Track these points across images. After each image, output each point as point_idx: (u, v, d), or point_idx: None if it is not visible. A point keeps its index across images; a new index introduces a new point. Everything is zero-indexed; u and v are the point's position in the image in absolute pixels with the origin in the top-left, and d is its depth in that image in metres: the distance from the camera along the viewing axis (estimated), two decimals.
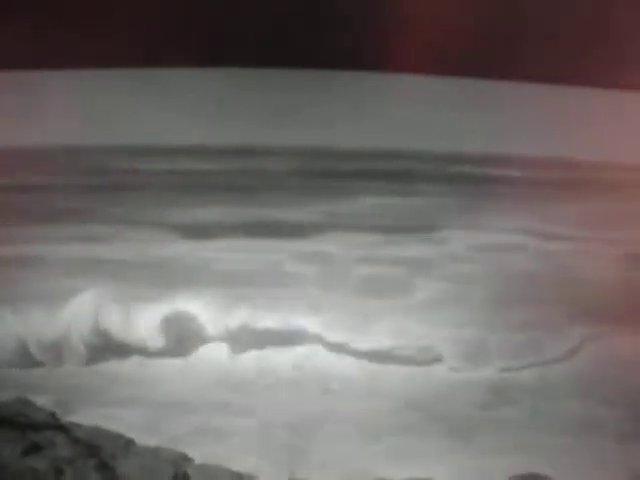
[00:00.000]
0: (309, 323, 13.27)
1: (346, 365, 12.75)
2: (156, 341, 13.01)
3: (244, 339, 13.26)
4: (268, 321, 13.33)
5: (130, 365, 12.74)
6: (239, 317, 13.43)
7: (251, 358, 12.96)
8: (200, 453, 7.06)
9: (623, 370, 12.10)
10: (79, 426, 6.73)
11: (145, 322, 13.14)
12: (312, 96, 21.65)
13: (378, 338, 12.96)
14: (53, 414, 6.67)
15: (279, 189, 20.44)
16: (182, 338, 13.13)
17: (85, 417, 8.34)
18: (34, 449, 6.05)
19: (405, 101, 22.22)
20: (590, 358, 12.64)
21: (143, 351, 13.03)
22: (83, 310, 13.19)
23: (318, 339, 13.26)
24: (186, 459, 6.95)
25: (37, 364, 12.68)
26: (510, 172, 20.92)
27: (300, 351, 13.10)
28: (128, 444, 6.84)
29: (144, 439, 7.02)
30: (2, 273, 14.44)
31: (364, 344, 12.94)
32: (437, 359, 12.96)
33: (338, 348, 13.10)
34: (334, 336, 13.12)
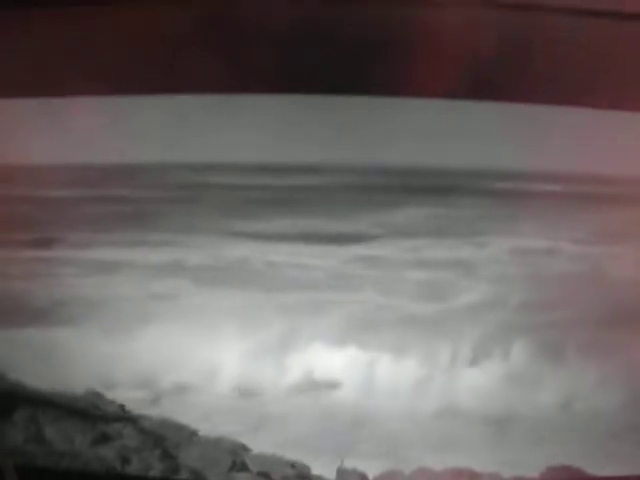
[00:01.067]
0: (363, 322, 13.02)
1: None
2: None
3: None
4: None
5: None
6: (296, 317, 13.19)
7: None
8: (256, 441, 6.86)
9: None
10: (147, 418, 6.56)
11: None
12: (364, 119, 21.35)
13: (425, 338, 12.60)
14: (123, 407, 6.51)
15: (335, 203, 20.25)
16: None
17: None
18: (103, 439, 5.90)
19: (446, 124, 21.82)
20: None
21: None
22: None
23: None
24: (244, 449, 6.76)
25: None
26: (545, 186, 20.52)
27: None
28: (192, 434, 6.66)
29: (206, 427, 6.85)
30: (85, 277, 14.42)
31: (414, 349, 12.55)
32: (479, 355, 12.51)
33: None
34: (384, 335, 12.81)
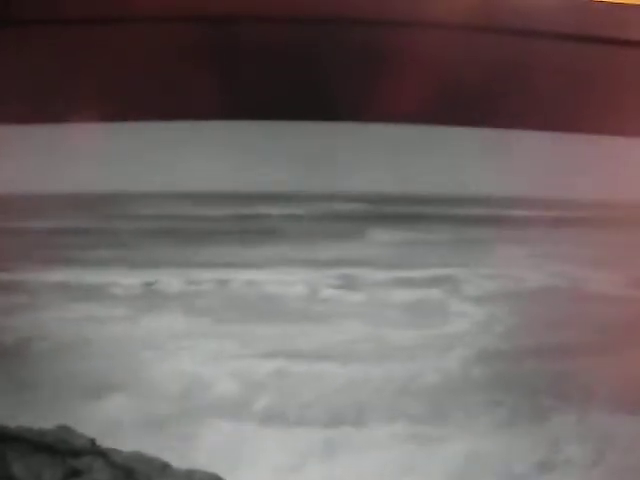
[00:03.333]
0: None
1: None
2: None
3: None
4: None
5: None
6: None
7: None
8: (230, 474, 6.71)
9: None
10: (118, 451, 6.39)
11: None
12: (332, 146, 21.39)
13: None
14: (93, 441, 6.34)
15: (305, 231, 20.25)
16: None
17: None
18: (73, 474, 5.74)
19: (415, 149, 21.93)
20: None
21: None
22: None
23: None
24: None
25: None
26: (516, 212, 20.71)
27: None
28: (163, 467, 6.50)
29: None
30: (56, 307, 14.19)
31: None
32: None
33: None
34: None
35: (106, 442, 6.38)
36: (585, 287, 15.73)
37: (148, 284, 15.75)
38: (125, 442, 6.53)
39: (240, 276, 16.36)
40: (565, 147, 19.56)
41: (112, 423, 9.53)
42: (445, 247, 18.67)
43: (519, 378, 11.85)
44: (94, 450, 6.23)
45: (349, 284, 16.27)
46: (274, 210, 21.24)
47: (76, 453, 5.97)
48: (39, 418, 6.76)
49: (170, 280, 15.98)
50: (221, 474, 6.39)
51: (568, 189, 20.50)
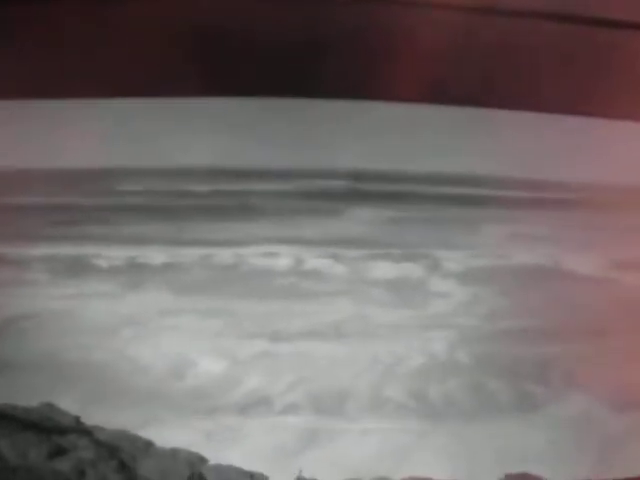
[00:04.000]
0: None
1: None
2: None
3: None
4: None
5: None
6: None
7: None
8: (214, 454, 6.84)
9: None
10: (102, 429, 6.52)
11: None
12: (318, 123, 21.35)
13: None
14: (77, 418, 6.46)
15: (290, 208, 20.26)
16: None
17: None
18: (59, 452, 5.84)
19: (403, 127, 21.91)
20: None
21: None
22: None
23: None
24: (201, 460, 6.74)
25: None
26: (499, 191, 20.80)
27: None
28: (147, 446, 6.63)
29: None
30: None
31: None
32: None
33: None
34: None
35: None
36: (567, 268, 15.87)
37: (132, 259, 15.82)
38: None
39: (223, 252, 16.42)
40: (552, 129, 19.62)
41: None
42: (429, 226, 18.74)
43: (503, 361, 11.96)
44: (79, 428, 6.35)
45: (332, 261, 16.35)
46: (258, 187, 21.26)
47: (62, 431, 6.09)
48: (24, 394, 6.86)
49: (155, 255, 16.03)
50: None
51: (554, 171, 20.62)
